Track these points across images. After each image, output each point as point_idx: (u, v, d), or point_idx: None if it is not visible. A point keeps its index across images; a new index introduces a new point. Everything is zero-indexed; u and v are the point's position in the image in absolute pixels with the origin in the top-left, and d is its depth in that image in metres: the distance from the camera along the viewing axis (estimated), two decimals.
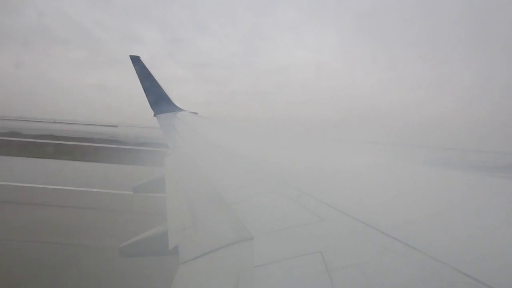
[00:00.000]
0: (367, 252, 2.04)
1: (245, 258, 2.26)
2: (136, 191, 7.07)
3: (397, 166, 4.49)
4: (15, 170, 27.57)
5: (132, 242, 3.95)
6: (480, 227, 2.29)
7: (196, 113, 16.78)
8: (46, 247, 12.67)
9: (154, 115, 16.15)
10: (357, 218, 2.50)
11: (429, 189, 3.39)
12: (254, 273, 2.03)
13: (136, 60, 16.58)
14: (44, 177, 26.21)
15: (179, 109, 16.87)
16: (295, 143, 8.05)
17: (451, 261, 1.76)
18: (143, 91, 16.87)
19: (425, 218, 2.49)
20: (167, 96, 17.10)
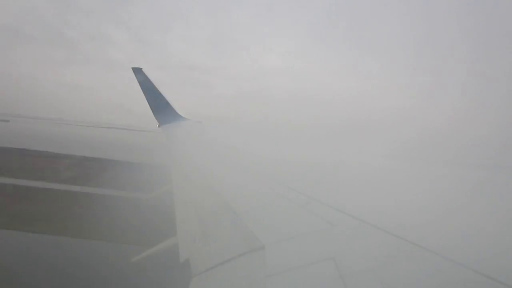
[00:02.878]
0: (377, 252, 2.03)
1: (257, 268, 2.25)
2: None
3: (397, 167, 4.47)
4: None
5: (144, 256, 3.96)
6: (489, 226, 2.27)
7: (201, 122, 16.79)
8: None
9: (159, 126, 16.18)
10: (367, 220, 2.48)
11: (431, 189, 3.37)
12: (267, 282, 2.02)
13: (138, 72, 16.65)
14: None
15: (183, 119, 16.88)
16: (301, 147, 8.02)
17: (465, 259, 1.74)
18: (146, 101, 16.99)
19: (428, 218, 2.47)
20: (170, 105, 17.11)
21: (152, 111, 16.61)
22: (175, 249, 3.23)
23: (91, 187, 26.39)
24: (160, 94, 16.76)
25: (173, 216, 4.04)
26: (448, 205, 2.73)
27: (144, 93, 16.60)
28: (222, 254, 2.67)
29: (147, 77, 16.55)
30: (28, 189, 23.39)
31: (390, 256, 1.92)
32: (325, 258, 2.07)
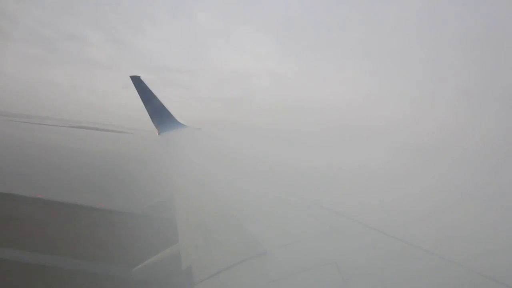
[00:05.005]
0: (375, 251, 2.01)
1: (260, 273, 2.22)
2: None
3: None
4: None
5: (145, 265, 3.93)
6: (489, 229, 2.27)
7: (200, 129, 16.82)
8: None
9: (159, 133, 16.20)
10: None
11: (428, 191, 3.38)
12: None
13: (136, 80, 16.69)
14: None
15: (182, 126, 16.89)
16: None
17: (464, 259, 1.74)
18: (145, 109, 17.03)
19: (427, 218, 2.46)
20: (169, 112, 17.13)
21: (152, 119, 16.63)
22: (176, 258, 3.20)
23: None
24: (159, 102, 16.78)
25: (174, 225, 4.01)
26: (448, 207, 2.74)
27: (142, 101, 16.62)
28: (225, 261, 2.65)
29: (146, 85, 16.57)
30: None
31: (392, 258, 1.91)
32: (328, 262, 2.06)
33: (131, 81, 17.10)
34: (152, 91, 17.03)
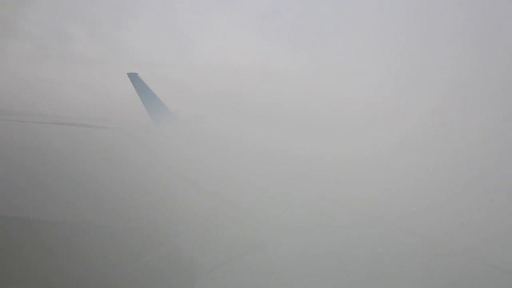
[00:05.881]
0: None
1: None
2: None
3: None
4: None
5: (146, 260, 4.00)
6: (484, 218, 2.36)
7: (196, 120, 17.22)
8: None
9: (156, 127, 16.64)
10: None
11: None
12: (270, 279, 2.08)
13: (134, 77, 17.15)
14: None
15: (179, 119, 17.29)
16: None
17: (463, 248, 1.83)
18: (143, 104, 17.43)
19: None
20: (166, 107, 17.53)
21: (149, 114, 17.12)
22: (177, 251, 3.27)
23: None
24: (156, 97, 17.19)
25: (172, 219, 4.06)
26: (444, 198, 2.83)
27: (140, 96, 17.14)
28: (225, 253, 2.73)
29: (143, 82, 17.08)
30: None
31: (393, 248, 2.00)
32: (328, 253, 2.15)
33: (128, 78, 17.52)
34: (149, 86, 17.50)
